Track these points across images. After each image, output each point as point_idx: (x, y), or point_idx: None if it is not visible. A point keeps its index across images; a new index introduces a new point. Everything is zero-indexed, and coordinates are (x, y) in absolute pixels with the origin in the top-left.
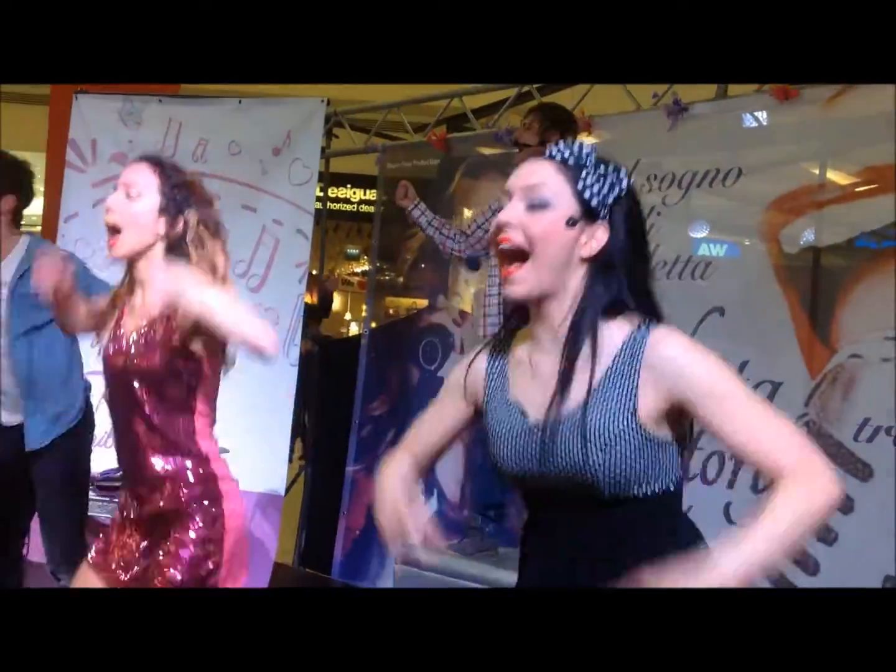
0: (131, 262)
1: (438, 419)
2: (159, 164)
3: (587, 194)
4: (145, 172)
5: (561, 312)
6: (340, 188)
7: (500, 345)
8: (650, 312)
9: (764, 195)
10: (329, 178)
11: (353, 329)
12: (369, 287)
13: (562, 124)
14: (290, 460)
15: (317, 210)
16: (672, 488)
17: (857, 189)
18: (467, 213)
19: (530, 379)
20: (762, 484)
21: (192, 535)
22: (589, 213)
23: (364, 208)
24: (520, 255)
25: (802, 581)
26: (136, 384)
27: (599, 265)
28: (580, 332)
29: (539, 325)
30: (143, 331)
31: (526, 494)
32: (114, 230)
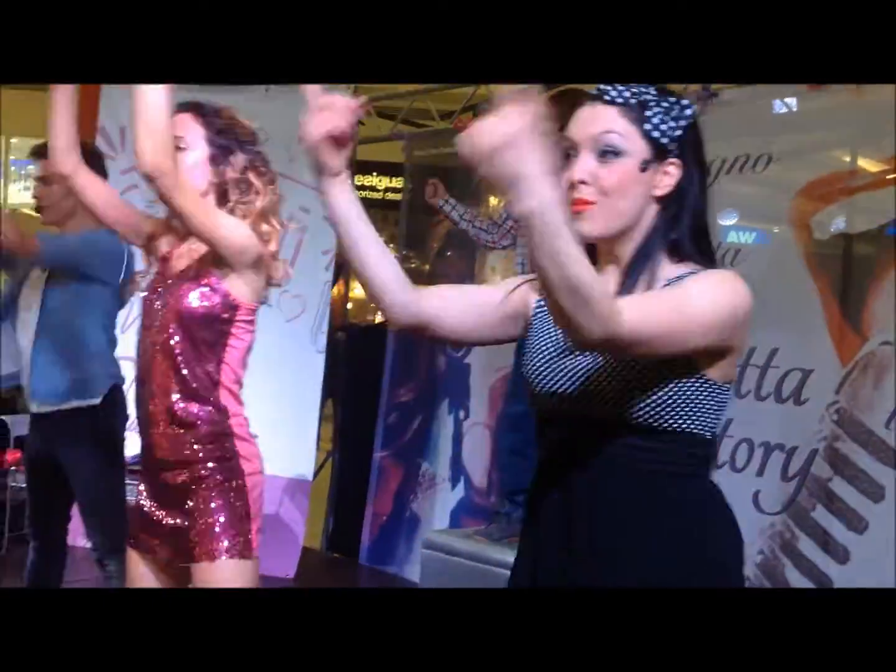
0: None
1: (473, 287)
2: (201, 112)
3: (656, 134)
4: (191, 123)
5: (631, 251)
6: (366, 176)
7: None
8: (710, 263)
9: (794, 182)
10: (355, 166)
11: (380, 317)
12: None
13: (581, 106)
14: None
15: None
16: (694, 432)
17: (889, 176)
18: (494, 200)
19: None
20: (792, 472)
21: (215, 502)
22: (660, 153)
23: (390, 196)
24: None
25: (833, 570)
26: (170, 325)
27: (670, 202)
28: (638, 264)
29: (608, 261)
30: (183, 272)
31: (547, 421)
32: None
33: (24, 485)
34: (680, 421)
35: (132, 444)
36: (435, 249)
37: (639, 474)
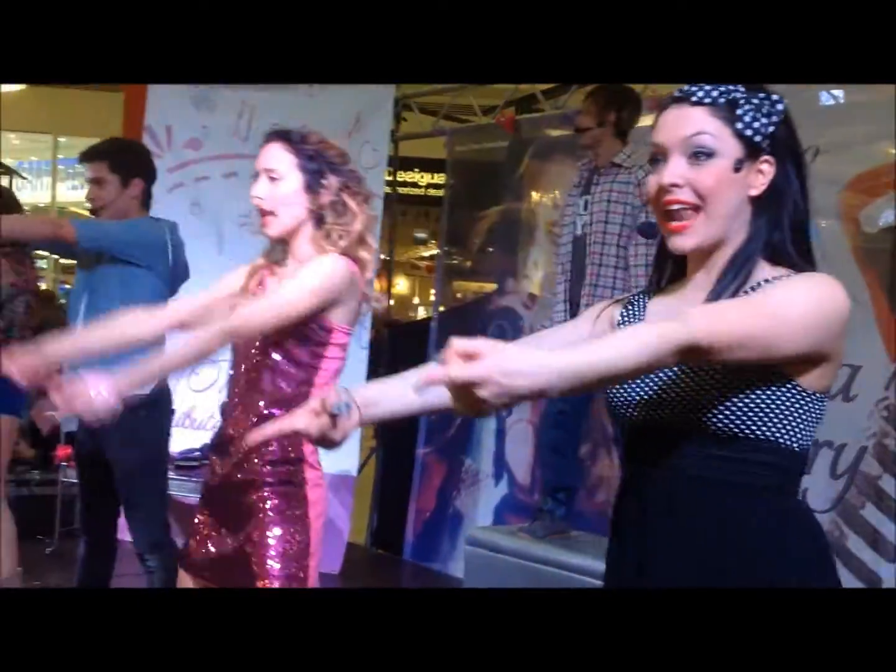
0: (284, 238)
1: (564, 327)
2: (289, 139)
3: (748, 132)
4: (281, 153)
5: (726, 256)
6: (408, 172)
7: (646, 293)
8: (809, 266)
9: (842, 175)
10: (398, 162)
11: (422, 313)
12: (438, 271)
13: (617, 102)
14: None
15: (386, 194)
16: (779, 441)
17: None
18: (535, 195)
19: (672, 313)
20: (841, 469)
21: (278, 529)
22: (753, 151)
23: (431, 192)
24: (690, 209)
25: (883, 568)
26: (263, 348)
27: (766, 201)
28: (734, 270)
29: (701, 269)
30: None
31: (626, 431)
32: (266, 213)
33: (74, 480)
34: (755, 428)
35: (179, 442)
36: (477, 245)
37: (711, 485)
